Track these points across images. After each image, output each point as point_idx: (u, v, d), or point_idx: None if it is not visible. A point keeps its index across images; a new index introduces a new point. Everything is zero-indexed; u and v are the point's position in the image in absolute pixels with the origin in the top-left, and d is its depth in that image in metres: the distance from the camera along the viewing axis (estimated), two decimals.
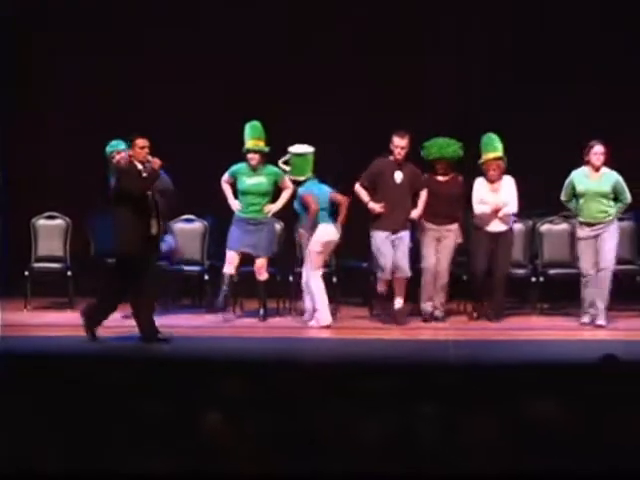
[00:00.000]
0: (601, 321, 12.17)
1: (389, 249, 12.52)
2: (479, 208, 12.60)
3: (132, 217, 10.98)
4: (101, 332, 11.25)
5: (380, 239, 12.57)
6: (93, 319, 11.24)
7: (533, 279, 13.30)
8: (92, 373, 7.09)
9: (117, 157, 12.81)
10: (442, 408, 5.52)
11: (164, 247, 12.48)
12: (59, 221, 13.85)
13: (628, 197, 12.22)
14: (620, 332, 12.20)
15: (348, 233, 13.11)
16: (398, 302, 12.58)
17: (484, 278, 12.74)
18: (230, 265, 12.65)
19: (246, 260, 12.95)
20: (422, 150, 12.77)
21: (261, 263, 12.84)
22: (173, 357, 10.49)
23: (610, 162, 12.30)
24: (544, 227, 13.47)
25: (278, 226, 13.51)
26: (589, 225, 12.24)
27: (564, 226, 13.50)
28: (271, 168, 12.86)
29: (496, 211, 12.57)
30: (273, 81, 14.43)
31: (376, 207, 12.59)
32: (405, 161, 12.62)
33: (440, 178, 12.74)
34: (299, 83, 14.41)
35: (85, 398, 6.21)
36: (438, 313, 12.75)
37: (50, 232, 13.86)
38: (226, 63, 14.59)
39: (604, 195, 12.18)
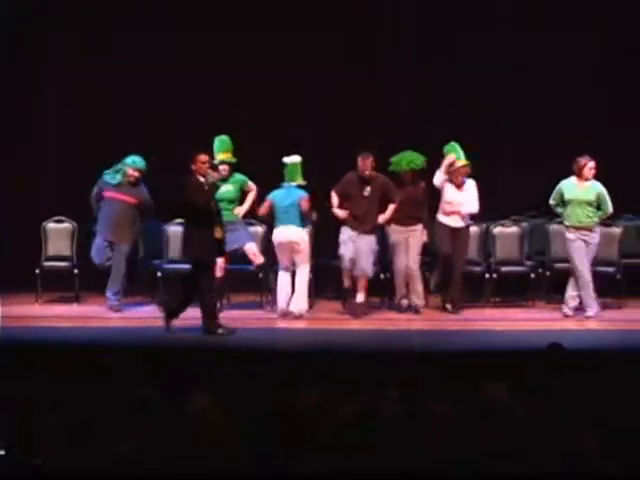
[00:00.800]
0: (590, 312, 12.32)
1: (350, 246, 12.58)
2: (438, 179, 12.79)
3: (199, 225, 11.07)
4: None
5: (346, 234, 12.66)
6: (172, 313, 11.32)
7: (487, 275, 13.34)
8: (94, 359, 7.11)
9: (131, 172, 12.81)
10: (405, 391, 5.54)
11: None
12: (66, 224, 13.83)
13: (609, 207, 12.39)
14: (568, 323, 12.21)
15: (322, 234, 13.14)
16: (359, 297, 12.61)
17: (449, 271, 12.79)
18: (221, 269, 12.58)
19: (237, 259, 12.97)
20: (391, 165, 12.84)
21: (250, 248, 12.84)
22: (167, 345, 10.50)
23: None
24: (497, 229, 13.57)
25: (260, 229, 13.54)
26: (576, 228, 12.36)
27: (514, 229, 13.61)
28: (238, 176, 12.88)
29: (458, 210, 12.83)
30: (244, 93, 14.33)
31: (340, 213, 12.67)
32: (374, 175, 12.63)
33: (404, 186, 12.80)
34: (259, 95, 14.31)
35: (86, 381, 6.23)
36: (418, 304, 12.84)
37: (58, 234, 13.83)
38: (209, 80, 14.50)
39: (589, 203, 12.36)
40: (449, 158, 12.73)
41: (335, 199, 12.72)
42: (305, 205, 12.43)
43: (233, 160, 12.82)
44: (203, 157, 11.26)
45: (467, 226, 12.98)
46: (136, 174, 12.91)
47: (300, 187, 12.58)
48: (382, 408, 5.23)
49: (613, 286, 13.05)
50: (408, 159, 12.79)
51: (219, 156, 12.71)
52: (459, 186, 12.83)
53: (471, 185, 12.86)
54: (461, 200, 12.82)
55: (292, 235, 12.51)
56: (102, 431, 5.08)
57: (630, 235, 13.63)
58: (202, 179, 11.19)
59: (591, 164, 12.37)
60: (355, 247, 12.58)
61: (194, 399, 5.40)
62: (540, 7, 14.51)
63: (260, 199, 12.80)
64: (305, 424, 4.96)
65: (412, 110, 14.67)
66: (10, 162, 14.37)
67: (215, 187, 11.30)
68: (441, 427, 4.94)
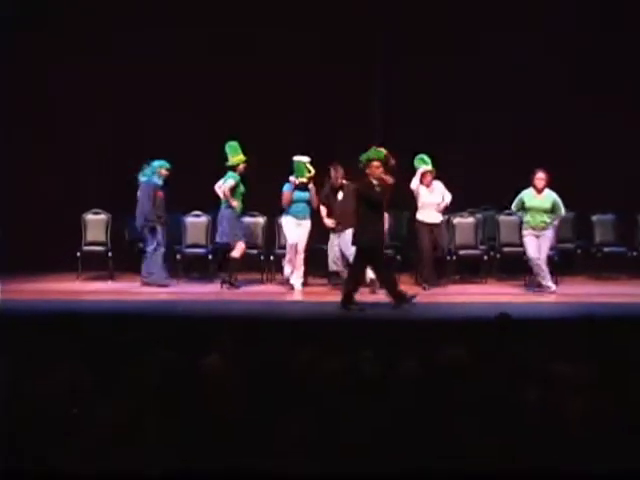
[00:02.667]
0: (551, 288, 12.35)
1: (334, 250, 12.59)
2: (414, 184, 12.82)
3: (373, 218, 11.05)
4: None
5: (330, 242, 12.71)
6: (349, 294, 11.10)
7: (448, 258, 13.37)
8: (126, 328, 7.13)
9: (164, 172, 12.79)
10: (380, 352, 5.55)
11: None
12: (102, 216, 13.84)
13: (563, 211, 12.48)
14: (514, 297, 12.24)
15: (316, 227, 13.10)
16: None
17: (430, 259, 12.82)
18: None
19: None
20: (360, 162, 12.75)
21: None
22: (183, 315, 10.50)
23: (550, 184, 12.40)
24: (456, 220, 13.61)
25: (261, 219, 13.57)
26: (533, 229, 12.41)
27: (470, 219, 13.66)
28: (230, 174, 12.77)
29: (437, 206, 12.84)
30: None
31: (328, 223, 12.69)
32: (344, 184, 12.62)
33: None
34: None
35: (117, 345, 6.24)
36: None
37: (95, 224, 13.83)
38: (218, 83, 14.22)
39: (545, 210, 12.39)
40: (420, 170, 12.77)
41: (323, 211, 12.78)
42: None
43: (245, 159, 12.74)
44: (376, 163, 11.19)
45: (441, 222, 13.00)
46: (167, 173, 12.90)
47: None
48: (360, 366, 5.25)
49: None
50: (369, 154, 12.71)
51: (237, 159, 12.71)
52: (428, 186, 12.85)
53: (438, 185, 12.90)
54: (433, 199, 12.86)
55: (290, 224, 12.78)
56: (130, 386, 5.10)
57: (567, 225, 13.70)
58: (375, 181, 11.13)
59: (539, 175, 12.37)
60: (340, 242, 12.56)
61: (207, 359, 5.41)
62: (500, 8, 14.25)
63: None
64: (297, 378, 4.98)
65: (385, 112, 14.51)
66: (63, 171, 14.36)
67: (387, 189, 11.17)
68: (408, 381, 4.97)
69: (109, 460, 4.18)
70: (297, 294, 12.53)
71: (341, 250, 12.53)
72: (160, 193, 12.89)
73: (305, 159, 12.69)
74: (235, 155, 12.75)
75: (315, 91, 14.26)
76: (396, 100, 14.42)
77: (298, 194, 12.75)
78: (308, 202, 12.78)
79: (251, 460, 4.10)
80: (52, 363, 5.44)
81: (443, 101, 14.20)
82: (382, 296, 11.41)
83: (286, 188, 12.71)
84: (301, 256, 12.75)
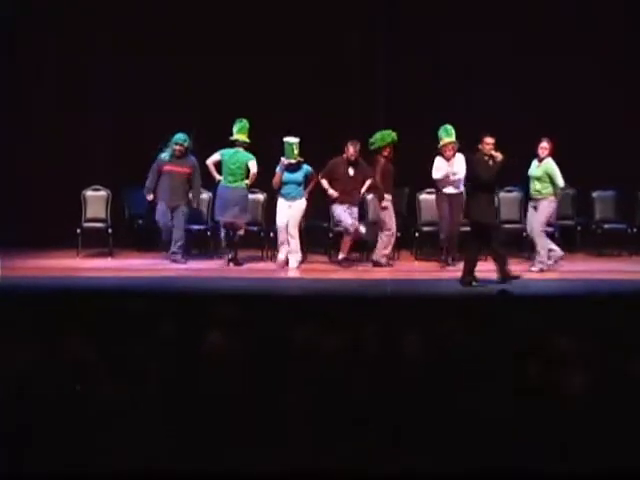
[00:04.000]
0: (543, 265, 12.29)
1: (347, 216, 12.58)
2: (436, 174, 12.66)
3: (486, 195, 11.11)
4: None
5: (339, 209, 12.64)
6: (470, 271, 11.14)
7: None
8: (124, 303, 7.11)
9: (176, 147, 12.79)
10: (380, 327, 5.56)
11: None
12: (102, 192, 13.78)
13: (559, 182, 12.28)
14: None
15: (315, 204, 13.09)
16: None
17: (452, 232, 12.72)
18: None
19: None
20: (372, 144, 12.75)
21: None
22: (185, 291, 10.50)
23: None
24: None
25: (261, 196, 13.55)
26: (530, 199, 12.47)
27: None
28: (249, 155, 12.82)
29: (448, 177, 12.64)
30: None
31: (333, 193, 12.62)
32: (357, 159, 12.64)
33: (383, 161, 12.75)
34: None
35: (118, 321, 6.24)
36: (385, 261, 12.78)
37: (95, 200, 13.78)
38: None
39: (537, 178, 12.31)
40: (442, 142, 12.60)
41: (325, 183, 12.70)
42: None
43: (247, 141, 12.76)
44: (489, 139, 11.22)
45: (460, 192, 12.71)
46: (180, 147, 12.87)
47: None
48: (360, 342, 5.25)
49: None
50: (382, 135, 12.73)
51: (236, 136, 12.72)
52: (449, 159, 12.65)
53: (459, 158, 12.62)
54: (452, 170, 12.64)
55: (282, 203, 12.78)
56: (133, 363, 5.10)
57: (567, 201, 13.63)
58: (486, 157, 11.15)
59: (542, 144, 12.28)
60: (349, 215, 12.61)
61: (209, 335, 5.41)
62: None
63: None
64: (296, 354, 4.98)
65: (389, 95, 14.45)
66: (64, 148, 14.33)
67: (499, 166, 11.16)
68: (408, 356, 4.97)
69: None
70: (295, 272, 12.50)
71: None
72: (167, 167, 12.90)
73: (293, 140, 12.58)
74: (243, 134, 12.74)
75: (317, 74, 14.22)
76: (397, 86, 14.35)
77: (288, 175, 12.67)
78: (299, 183, 12.72)
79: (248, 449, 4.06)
80: (52, 340, 5.45)
81: (444, 86, 14.15)
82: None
83: (278, 169, 12.70)
84: (295, 240, 12.63)
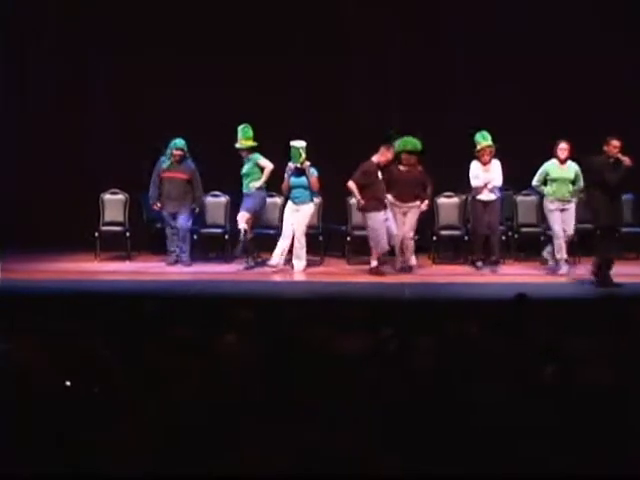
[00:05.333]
0: (563, 270, 12.22)
1: (391, 223, 12.34)
2: (474, 182, 12.55)
3: (605, 198, 11.07)
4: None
5: (381, 216, 12.26)
6: (604, 274, 11.12)
7: (465, 238, 13.28)
8: (141, 304, 7.11)
9: (174, 153, 12.83)
10: (397, 330, 5.54)
11: None
12: (120, 196, 13.81)
13: (582, 182, 12.24)
14: (532, 277, 12.17)
15: (332, 205, 13.05)
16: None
17: (483, 237, 12.65)
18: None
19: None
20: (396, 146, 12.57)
21: (241, 216, 12.80)
22: (201, 294, 10.51)
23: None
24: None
25: (278, 200, 13.49)
26: (559, 201, 12.31)
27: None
28: (254, 155, 12.82)
29: (486, 184, 12.54)
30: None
31: (361, 201, 12.25)
32: (390, 165, 12.47)
33: (402, 168, 12.59)
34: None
35: (134, 322, 6.23)
36: (405, 266, 12.59)
37: (114, 204, 13.81)
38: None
39: (571, 181, 12.31)
40: (478, 146, 12.46)
41: (355, 190, 12.33)
42: None
43: (254, 144, 12.78)
44: (615, 142, 11.13)
45: (495, 199, 12.65)
46: (178, 152, 12.91)
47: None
48: (379, 343, 5.23)
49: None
50: (405, 141, 12.59)
51: (242, 142, 12.72)
52: (485, 164, 12.56)
53: (496, 164, 12.58)
54: (488, 177, 12.54)
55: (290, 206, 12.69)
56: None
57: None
58: (611, 160, 11.06)
59: (562, 145, 12.27)
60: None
61: (223, 337, 5.40)
62: None
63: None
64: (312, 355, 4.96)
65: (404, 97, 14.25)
66: (84, 154, 14.36)
67: (625, 170, 11.07)
68: (425, 358, 4.94)
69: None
70: (299, 275, 12.42)
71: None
72: (166, 174, 12.96)
73: (299, 144, 12.52)
74: (247, 139, 12.75)
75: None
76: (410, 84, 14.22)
77: (294, 179, 12.59)
78: (306, 187, 12.62)
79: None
80: (69, 343, 5.44)
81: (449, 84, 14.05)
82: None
83: (286, 175, 12.65)
84: (301, 243, 12.50)
